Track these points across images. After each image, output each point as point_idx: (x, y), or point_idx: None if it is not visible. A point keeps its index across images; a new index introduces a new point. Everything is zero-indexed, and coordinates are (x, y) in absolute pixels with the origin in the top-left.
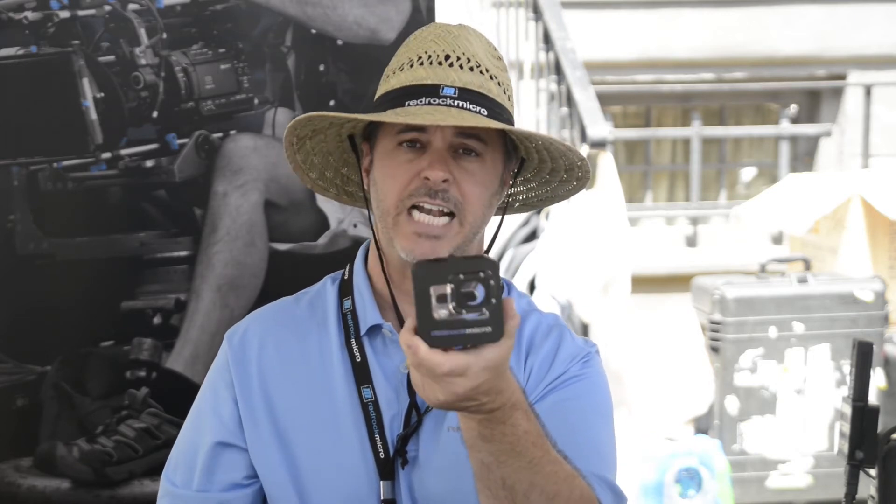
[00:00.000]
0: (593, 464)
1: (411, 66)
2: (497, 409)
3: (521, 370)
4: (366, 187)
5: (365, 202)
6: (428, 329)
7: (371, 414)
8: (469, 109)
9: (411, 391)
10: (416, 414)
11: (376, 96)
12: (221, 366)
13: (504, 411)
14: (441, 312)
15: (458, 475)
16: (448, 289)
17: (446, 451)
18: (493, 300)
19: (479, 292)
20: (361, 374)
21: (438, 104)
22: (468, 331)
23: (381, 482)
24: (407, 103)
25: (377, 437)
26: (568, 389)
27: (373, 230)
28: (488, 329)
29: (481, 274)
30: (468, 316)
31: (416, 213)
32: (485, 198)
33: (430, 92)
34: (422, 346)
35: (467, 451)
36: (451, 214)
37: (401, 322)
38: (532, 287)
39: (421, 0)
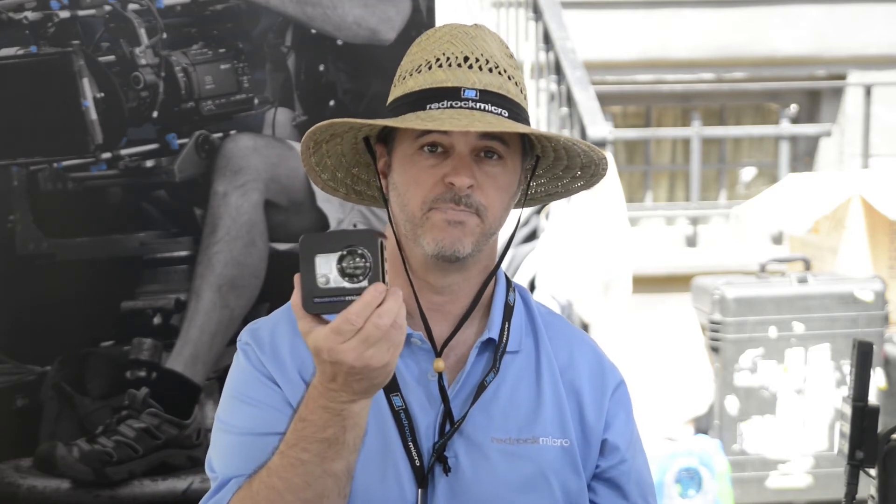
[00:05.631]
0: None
1: (429, 67)
2: None
3: (560, 387)
4: (384, 189)
5: (378, 202)
6: (311, 296)
7: (403, 422)
8: (491, 111)
9: (445, 398)
10: (449, 422)
11: (392, 97)
12: (255, 366)
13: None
14: (322, 280)
15: (497, 486)
16: (332, 259)
17: (487, 462)
18: (371, 273)
19: (361, 264)
20: (389, 382)
21: (460, 107)
22: (348, 298)
23: (419, 490)
24: (428, 106)
25: (410, 444)
26: (625, 465)
27: (393, 231)
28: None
29: (360, 249)
30: (347, 285)
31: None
32: (505, 201)
33: (451, 95)
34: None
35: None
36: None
37: (428, 331)
38: (532, 287)
39: (421, 0)
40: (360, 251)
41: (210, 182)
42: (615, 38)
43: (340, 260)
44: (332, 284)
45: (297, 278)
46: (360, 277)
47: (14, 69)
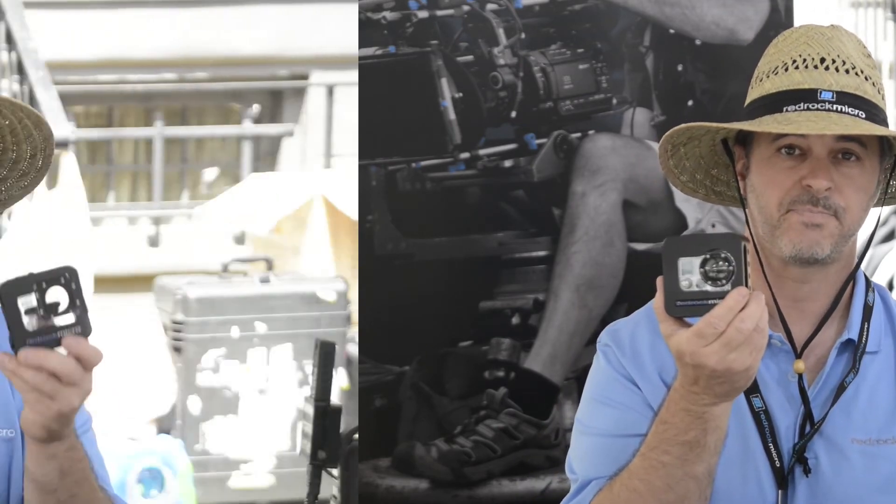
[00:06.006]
0: None
1: (786, 69)
2: None
3: None
4: (742, 191)
5: (736, 202)
6: (674, 299)
7: (763, 423)
8: (847, 113)
9: (805, 399)
10: (809, 423)
11: (749, 99)
12: (615, 367)
13: None
14: (685, 283)
15: (857, 487)
16: (696, 262)
17: (847, 462)
18: (734, 277)
19: (724, 268)
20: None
21: (817, 109)
22: (710, 302)
23: (779, 491)
24: (784, 108)
25: (771, 446)
26: None
27: (751, 232)
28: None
29: (723, 253)
30: (710, 288)
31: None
32: (863, 202)
33: (807, 97)
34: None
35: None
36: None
37: (787, 332)
38: (891, 286)
39: (779, 0)
40: (723, 255)
41: (568, 182)
42: None
43: (703, 263)
44: (695, 288)
45: (659, 281)
46: (724, 281)
47: (373, 69)
